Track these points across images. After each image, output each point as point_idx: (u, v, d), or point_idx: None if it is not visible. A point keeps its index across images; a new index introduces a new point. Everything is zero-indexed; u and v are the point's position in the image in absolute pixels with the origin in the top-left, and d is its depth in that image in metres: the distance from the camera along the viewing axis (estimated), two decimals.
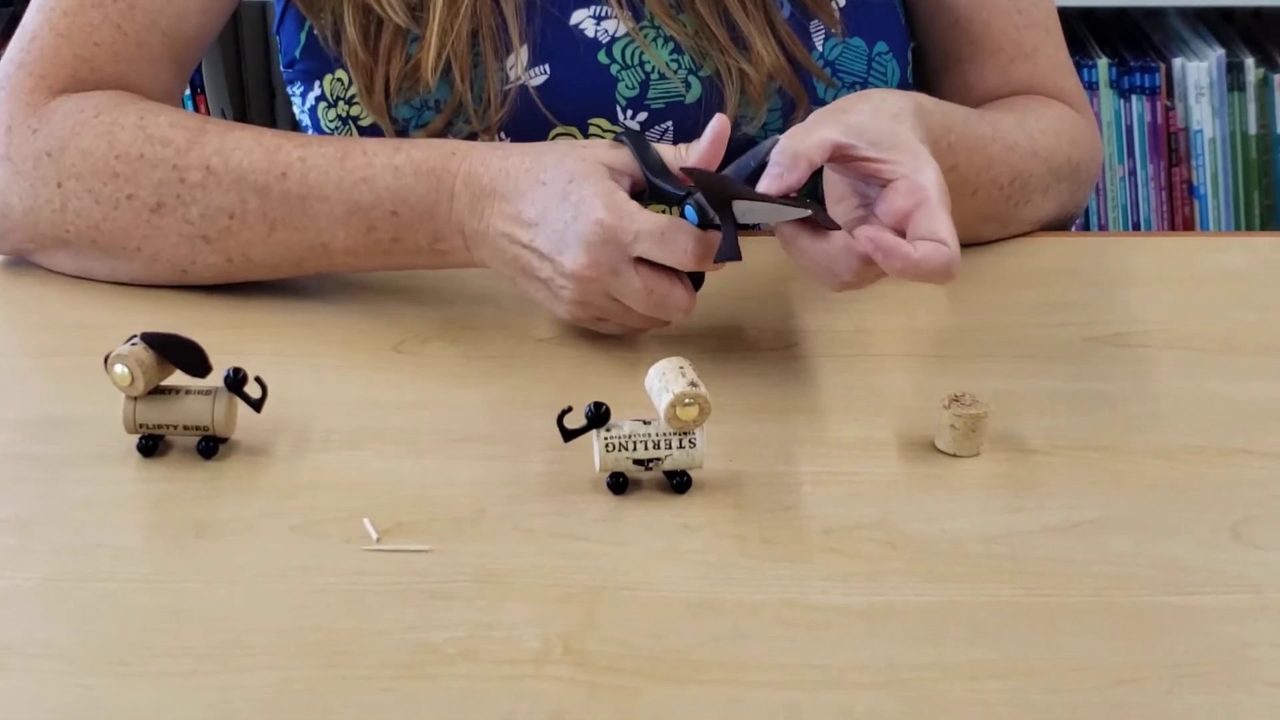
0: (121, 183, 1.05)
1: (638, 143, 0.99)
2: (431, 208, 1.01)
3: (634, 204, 0.95)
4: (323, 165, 1.03)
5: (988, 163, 1.09)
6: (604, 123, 1.15)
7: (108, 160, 1.05)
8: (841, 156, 0.95)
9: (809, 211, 0.93)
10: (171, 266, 1.06)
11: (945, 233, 0.91)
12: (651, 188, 0.98)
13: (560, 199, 0.96)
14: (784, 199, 0.93)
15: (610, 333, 1.01)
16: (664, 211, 0.99)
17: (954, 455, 0.90)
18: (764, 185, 0.93)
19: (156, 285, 1.07)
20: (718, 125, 0.98)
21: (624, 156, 0.99)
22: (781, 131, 0.97)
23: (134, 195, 1.04)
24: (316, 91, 1.18)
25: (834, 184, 0.99)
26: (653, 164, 0.98)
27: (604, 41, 1.14)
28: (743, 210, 0.92)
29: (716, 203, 0.92)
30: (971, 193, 1.09)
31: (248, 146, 1.04)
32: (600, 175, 0.97)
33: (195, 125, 1.06)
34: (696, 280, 0.98)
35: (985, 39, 1.20)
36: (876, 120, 0.96)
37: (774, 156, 0.94)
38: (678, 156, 0.99)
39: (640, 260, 0.95)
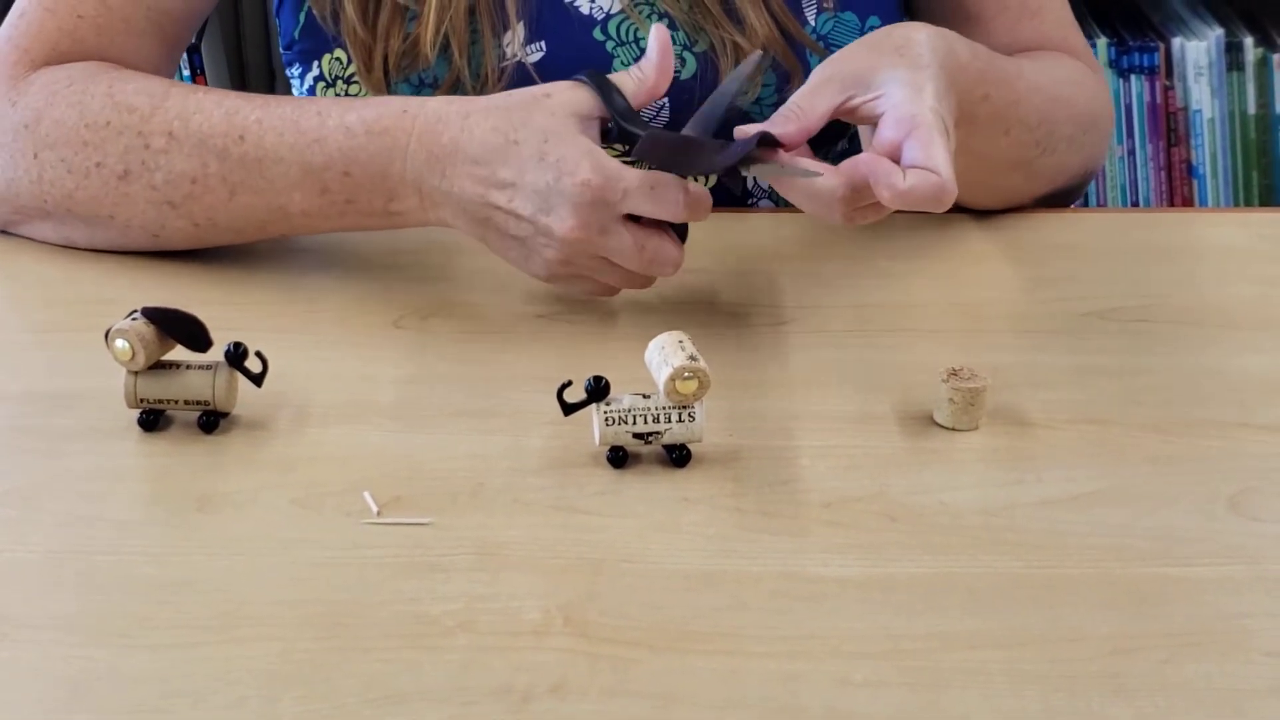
0: (91, 151, 1.05)
1: (601, 84, 0.98)
2: (384, 167, 1.00)
3: (616, 161, 0.95)
4: (278, 127, 1.03)
5: (1016, 99, 1.08)
6: None
7: (78, 129, 1.05)
8: (845, 108, 0.95)
9: (820, 173, 0.93)
10: (144, 232, 1.07)
11: (937, 160, 0.90)
12: (621, 131, 0.97)
13: (538, 159, 0.96)
14: (747, 145, 0.93)
15: (584, 292, 1.01)
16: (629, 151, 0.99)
17: (952, 429, 0.90)
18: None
19: (136, 252, 1.08)
20: (660, 36, 0.98)
21: (589, 98, 0.98)
22: (776, 106, 0.98)
23: (102, 163, 1.05)
24: (315, 72, 1.18)
25: (867, 138, 1.00)
26: (619, 108, 0.97)
27: (599, 18, 1.14)
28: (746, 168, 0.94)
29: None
30: (1005, 131, 1.08)
31: (208, 110, 1.04)
32: (574, 130, 0.96)
33: (160, 91, 1.06)
34: (681, 236, 0.98)
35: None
36: (872, 58, 0.97)
37: (781, 111, 0.95)
38: (637, 81, 0.99)
39: (628, 217, 0.96)
